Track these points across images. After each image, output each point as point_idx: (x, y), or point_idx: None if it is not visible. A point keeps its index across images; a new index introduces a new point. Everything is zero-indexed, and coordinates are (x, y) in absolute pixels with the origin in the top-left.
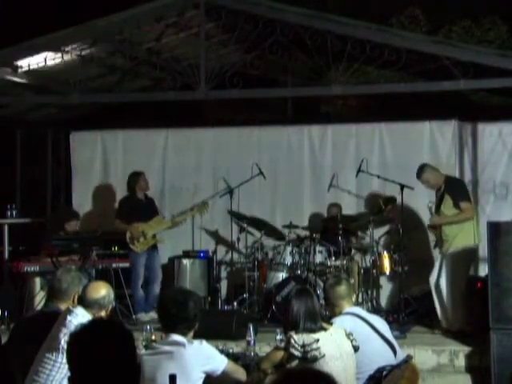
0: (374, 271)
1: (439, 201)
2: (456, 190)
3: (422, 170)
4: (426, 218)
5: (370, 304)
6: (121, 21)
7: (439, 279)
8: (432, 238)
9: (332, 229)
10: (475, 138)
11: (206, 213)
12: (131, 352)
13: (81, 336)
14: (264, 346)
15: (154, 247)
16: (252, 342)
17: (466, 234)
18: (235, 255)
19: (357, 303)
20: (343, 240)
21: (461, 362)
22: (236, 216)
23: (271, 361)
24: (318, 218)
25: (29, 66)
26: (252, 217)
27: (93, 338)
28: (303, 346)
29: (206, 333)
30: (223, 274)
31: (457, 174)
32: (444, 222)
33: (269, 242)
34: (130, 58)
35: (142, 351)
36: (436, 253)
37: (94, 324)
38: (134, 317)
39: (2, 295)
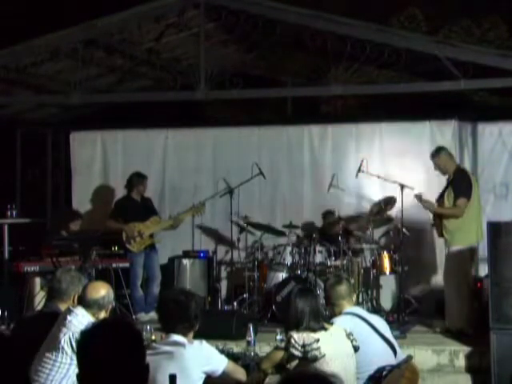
0: (374, 271)
1: (444, 189)
2: (459, 184)
3: (437, 151)
4: (426, 217)
5: (370, 304)
6: (121, 21)
7: (447, 276)
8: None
9: (332, 229)
10: (475, 138)
11: (203, 213)
12: (140, 352)
13: (91, 334)
14: (264, 345)
15: (152, 247)
16: (252, 342)
17: (468, 232)
18: (235, 255)
19: (357, 303)
20: (343, 240)
21: (461, 362)
22: (237, 223)
23: (271, 361)
24: (318, 218)
25: (29, 65)
26: (253, 223)
27: (102, 337)
28: (303, 345)
29: (206, 333)
30: (223, 273)
31: None
32: (434, 210)
33: (269, 242)
34: (130, 58)
35: None
36: (437, 252)
37: (103, 323)
38: (133, 317)
39: (2, 295)
